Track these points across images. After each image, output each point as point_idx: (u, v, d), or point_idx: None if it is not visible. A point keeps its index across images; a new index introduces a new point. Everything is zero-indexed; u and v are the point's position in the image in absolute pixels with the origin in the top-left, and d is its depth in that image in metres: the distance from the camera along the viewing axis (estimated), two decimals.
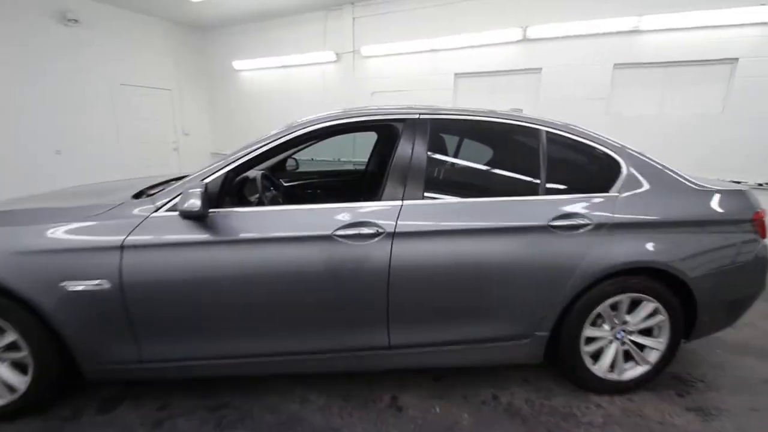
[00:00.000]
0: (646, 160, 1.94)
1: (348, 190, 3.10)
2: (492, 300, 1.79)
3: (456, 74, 5.68)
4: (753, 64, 4.23)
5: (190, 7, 6.37)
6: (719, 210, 1.89)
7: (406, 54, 5.92)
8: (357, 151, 6.10)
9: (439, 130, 1.90)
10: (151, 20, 6.96)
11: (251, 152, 1.73)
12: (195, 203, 1.46)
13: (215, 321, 1.69)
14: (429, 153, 1.80)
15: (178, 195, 1.60)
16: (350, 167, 6.28)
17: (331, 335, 1.77)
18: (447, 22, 5.50)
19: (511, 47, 5.22)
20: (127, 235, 1.58)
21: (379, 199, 1.74)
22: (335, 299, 1.71)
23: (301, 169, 3.39)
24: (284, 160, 3.17)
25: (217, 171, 1.67)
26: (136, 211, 1.64)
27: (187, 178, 1.71)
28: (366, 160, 3.32)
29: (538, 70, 5.16)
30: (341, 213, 1.69)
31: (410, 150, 1.78)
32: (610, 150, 1.94)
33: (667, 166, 1.97)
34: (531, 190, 1.85)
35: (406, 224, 1.69)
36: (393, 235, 1.67)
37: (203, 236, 1.60)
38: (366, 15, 6.14)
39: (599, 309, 1.86)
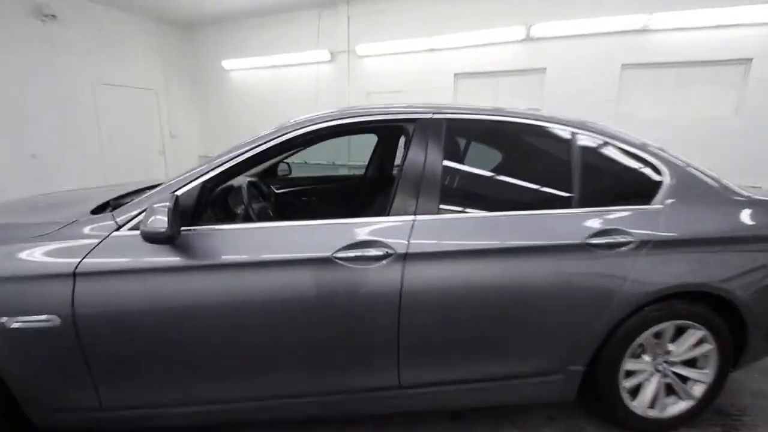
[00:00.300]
0: (691, 166, 1.70)
1: (347, 199, 2.81)
2: (521, 331, 1.53)
3: (456, 74, 5.45)
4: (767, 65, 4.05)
5: (177, 3, 6.07)
6: None
7: (403, 53, 5.68)
8: (353, 153, 5.83)
9: (456, 132, 1.64)
10: (135, 18, 6.63)
11: (234, 158, 1.45)
12: (160, 223, 1.17)
13: (191, 360, 1.40)
14: (445, 159, 1.53)
15: (144, 210, 1.31)
16: (345, 171, 6.02)
17: (330, 374, 1.49)
18: (446, 19, 5.27)
19: (514, 46, 5.00)
20: (81, 260, 1.28)
21: (388, 214, 1.46)
22: (335, 333, 1.44)
23: (294, 174, 3.11)
24: (276, 164, 2.89)
25: (191, 180, 1.38)
26: (93, 229, 1.35)
27: (155, 189, 1.42)
28: (362, 162, 3.05)
29: (543, 70, 4.95)
30: (342, 231, 1.42)
31: (423, 155, 1.51)
32: (650, 155, 1.69)
33: (713, 173, 1.73)
34: (563, 201, 1.59)
35: (420, 243, 1.42)
36: (404, 257, 1.39)
37: (175, 260, 1.31)
38: (361, 13, 5.89)
39: (641, 338, 1.61)
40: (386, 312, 1.41)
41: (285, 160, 2.95)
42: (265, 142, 1.49)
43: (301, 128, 1.53)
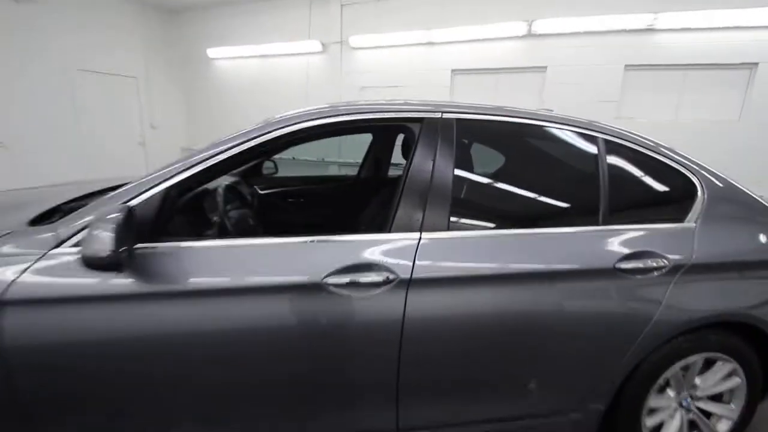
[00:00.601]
0: (725, 179, 1.53)
1: (339, 205, 2.56)
2: (540, 366, 1.34)
3: (453, 70, 5.24)
4: None
5: None
6: None
7: (399, 46, 5.43)
8: (344, 150, 5.58)
9: (469, 135, 1.42)
10: (115, 0, 6.23)
11: (207, 160, 1.20)
12: (103, 243, 0.92)
13: (147, 405, 1.17)
14: (456, 166, 1.31)
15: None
16: (336, 169, 5.76)
17: (317, 418, 1.27)
18: (445, 12, 5.04)
19: (515, 43, 4.80)
20: (9, 285, 1.04)
21: (389, 230, 1.24)
22: (324, 371, 1.22)
23: (280, 173, 2.86)
24: (260, 162, 2.63)
25: (150, 187, 1.14)
26: (26, 245, 1.10)
27: (107, 196, 1.17)
28: (353, 160, 2.81)
29: (543, 68, 4.76)
30: (335, 250, 1.20)
31: (431, 162, 1.29)
32: (681, 166, 1.51)
33: (747, 188, 1.56)
34: (589, 218, 1.39)
35: (426, 266, 1.20)
36: (408, 283, 1.18)
37: (126, 285, 1.07)
38: (355, 2, 5.61)
39: (668, 372, 1.44)
40: (385, 347, 1.20)
41: (271, 157, 2.70)
42: (245, 142, 1.25)
43: (288, 126, 1.30)
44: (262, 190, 2.51)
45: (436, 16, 5.09)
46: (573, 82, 4.60)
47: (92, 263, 0.95)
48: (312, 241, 1.19)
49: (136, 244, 1.06)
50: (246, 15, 6.41)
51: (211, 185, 1.59)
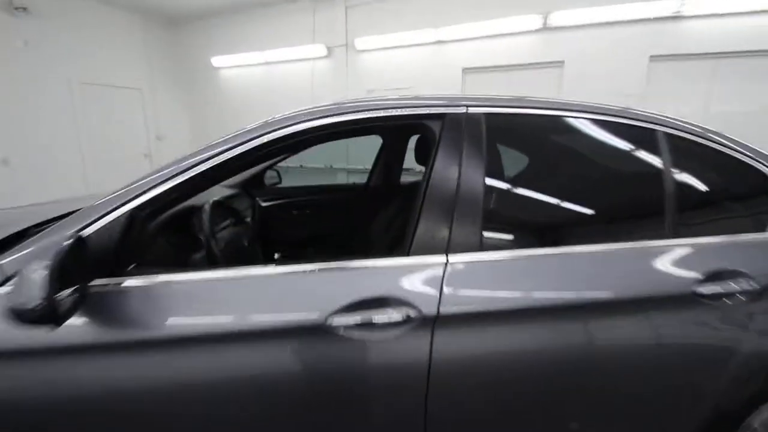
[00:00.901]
0: None
1: (348, 220, 2.31)
2: (602, 418, 1.08)
3: (464, 69, 4.99)
4: None
5: None
6: None
7: (406, 47, 5.22)
8: (352, 155, 5.37)
9: (500, 134, 1.18)
10: (117, 12, 6.16)
11: (186, 171, 0.98)
12: (29, 290, 0.70)
13: None
14: (488, 172, 1.07)
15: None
16: (344, 176, 5.56)
17: None
18: (454, 9, 4.80)
19: (529, 37, 4.54)
20: None
21: (407, 253, 1.00)
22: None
23: (285, 183, 2.65)
24: (262, 171, 2.42)
25: (109, 209, 0.92)
26: None
27: (56, 225, 0.95)
28: (362, 166, 2.58)
29: (560, 63, 4.49)
30: (342, 280, 0.96)
31: (456, 167, 1.05)
32: (757, 162, 1.25)
33: None
34: (654, 230, 1.13)
35: (456, 297, 0.96)
36: (434, 321, 0.94)
37: (78, 333, 0.85)
38: (360, 4, 5.43)
39: (756, 417, 1.17)
40: (408, 404, 0.96)
41: (275, 166, 2.49)
42: (232, 148, 1.03)
43: (286, 127, 1.07)
44: (264, 203, 2.29)
45: (444, 14, 4.87)
46: (593, 75, 4.33)
47: (19, 315, 0.73)
48: (314, 270, 0.96)
49: (91, 280, 0.84)
50: (249, 23, 6.28)
51: (196, 201, 1.38)
